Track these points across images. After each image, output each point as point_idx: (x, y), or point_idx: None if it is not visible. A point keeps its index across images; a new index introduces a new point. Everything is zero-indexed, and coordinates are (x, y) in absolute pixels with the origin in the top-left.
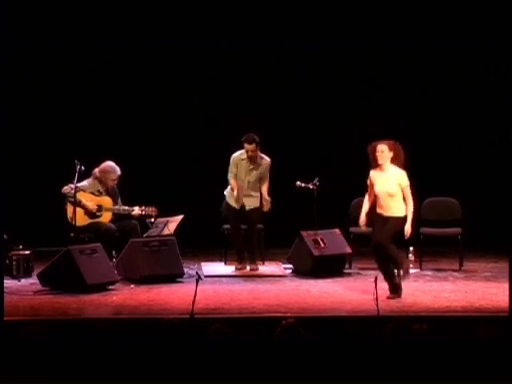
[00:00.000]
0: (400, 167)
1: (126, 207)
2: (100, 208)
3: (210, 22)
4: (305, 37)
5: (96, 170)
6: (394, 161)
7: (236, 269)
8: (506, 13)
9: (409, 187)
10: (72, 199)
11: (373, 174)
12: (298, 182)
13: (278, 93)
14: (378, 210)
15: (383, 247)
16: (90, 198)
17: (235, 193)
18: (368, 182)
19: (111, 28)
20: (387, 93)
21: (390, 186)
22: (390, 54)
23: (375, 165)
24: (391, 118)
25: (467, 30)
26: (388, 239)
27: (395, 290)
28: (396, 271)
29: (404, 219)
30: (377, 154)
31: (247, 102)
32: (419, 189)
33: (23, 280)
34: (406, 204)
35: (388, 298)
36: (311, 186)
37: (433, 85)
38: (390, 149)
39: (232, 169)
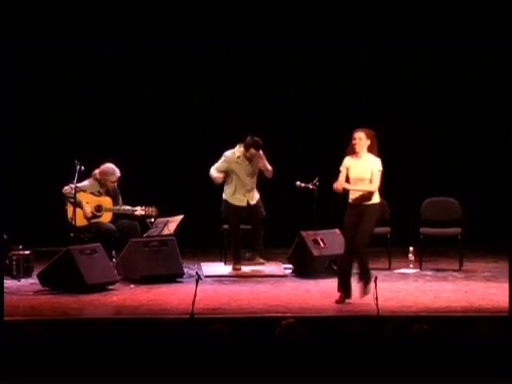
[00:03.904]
0: (375, 156)
1: (128, 207)
2: (100, 208)
3: (209, 22)
4: (304, 37)
5: (96, 172)
6: (370, 149)
7: (233, 269)
8: (506, 12)
9: (379, 173)
10: (72, 199)
11: (348, 160)
12: (298, 182)
13: (278, 93)
14: (351, 198)
15: (358, 250)
16: (90, 199)
17: (218, 177)
18: (341, 168)
19: (111, 28)
20: (387, 93)
21: (364, 173)
22: (389, 54)
23: (351, 152)
24: (391, 118)
25: (467, 29)
26: (366, 238)
27: (349, 292)
28: (360, 277)
29: (378, 206)
30: (354, 141)
31: (247, 102)
32: (419, 189)
33: (23, 280)
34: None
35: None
36: (311, 186)
37: (433, 85)
38: (368, 137)
39: (221, 166)
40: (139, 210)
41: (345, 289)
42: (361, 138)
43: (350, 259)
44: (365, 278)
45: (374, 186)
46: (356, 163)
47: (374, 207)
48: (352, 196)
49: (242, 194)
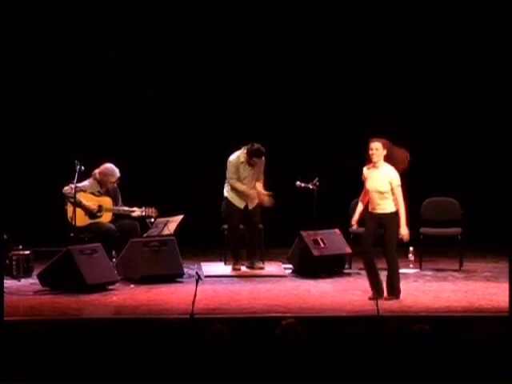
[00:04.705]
0: (394, 166)
1: (126, 208)
2: (100, 208)
3: (209, 22)
4: (304, 37)
5: (96, 172)
6: (388, 160)
7: (233, 269)
8: (506, 12)
9: (400, 188)
10: (72, 199)
11: (366, 171)
12: (298, 182)
13: (277, 92)
14: (370, 207)
15: (388, 259)
16: (90, 199)
17: (251, 193)
18: (362, 178)
19: (111, 28)
20: (387, 93)
21: (381, 184)
22: (389, 54)
23: (369, 162)
24: (391, 117)
25: (467, 29)
26: (393, 247)
27: (381, 291)
28: (391, 278)
29: (396, 214)
30: (371, 151)
31: (247, 102)
32: (419, 189)
33: (23, 280)
34: (396, 204)
35: (385, 299)
36: (311, 186)
37: (432, 85)
38: (384, 147)
39: (235, 174)
40: (137, 211)
41: (376, 287)
42: (377, 149)
43: (368, 259)
44: (392, 286)
45: (400, 202)
46: (373, 174)
47: (393, 216)
48: (370, 205)
49: (242, 197)
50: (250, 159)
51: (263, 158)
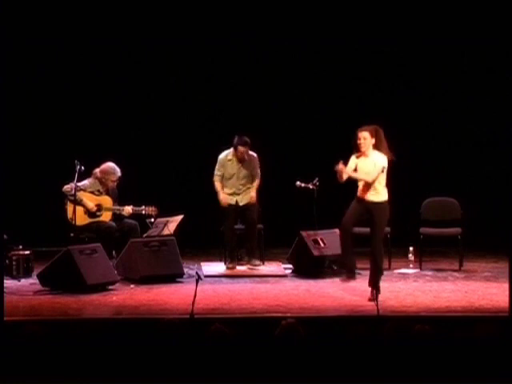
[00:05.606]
0: (384, 153)
1: (117, 207)
2: (100, 207)
3: (209, 22)
4: (304, 37)
5: (97, 171)
6: (377, 147)
7: (227, 268)
8: (506, 12)
9: (381, 168)
10: (72, 197)
11: (354, 160)
12: (298, 182)
13: (277, 92)
14: (359, 194)
15: (377, 248)
16: (90, 198)
17: (221, 195)
18: (349, 163)
19: (111, 28)
20: (387, 93)
21: (372, 173)
22: (389, 54)
23: (358, 151)
24: (391, 118)
25: (466, 28)
26: (381, 237)
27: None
28: (373, 272)
29: (387, 204)
30: (359, 141)
31: (247, 102)
32: (419, 189)
33: (23, 280)
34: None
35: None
36: (311, 186)
37: (432, 85)
38: (372, 135)
39: (218, 170)
40: (128, 209)
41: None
42: (365, 138)
43: (346, 233)
44: (376, 277)
45: (370, 177)
46: (363, 164)
47: (382, 205)
48: (359, 191)
49: (232, 194)
50: (236, 150)
51: (255, 155)
